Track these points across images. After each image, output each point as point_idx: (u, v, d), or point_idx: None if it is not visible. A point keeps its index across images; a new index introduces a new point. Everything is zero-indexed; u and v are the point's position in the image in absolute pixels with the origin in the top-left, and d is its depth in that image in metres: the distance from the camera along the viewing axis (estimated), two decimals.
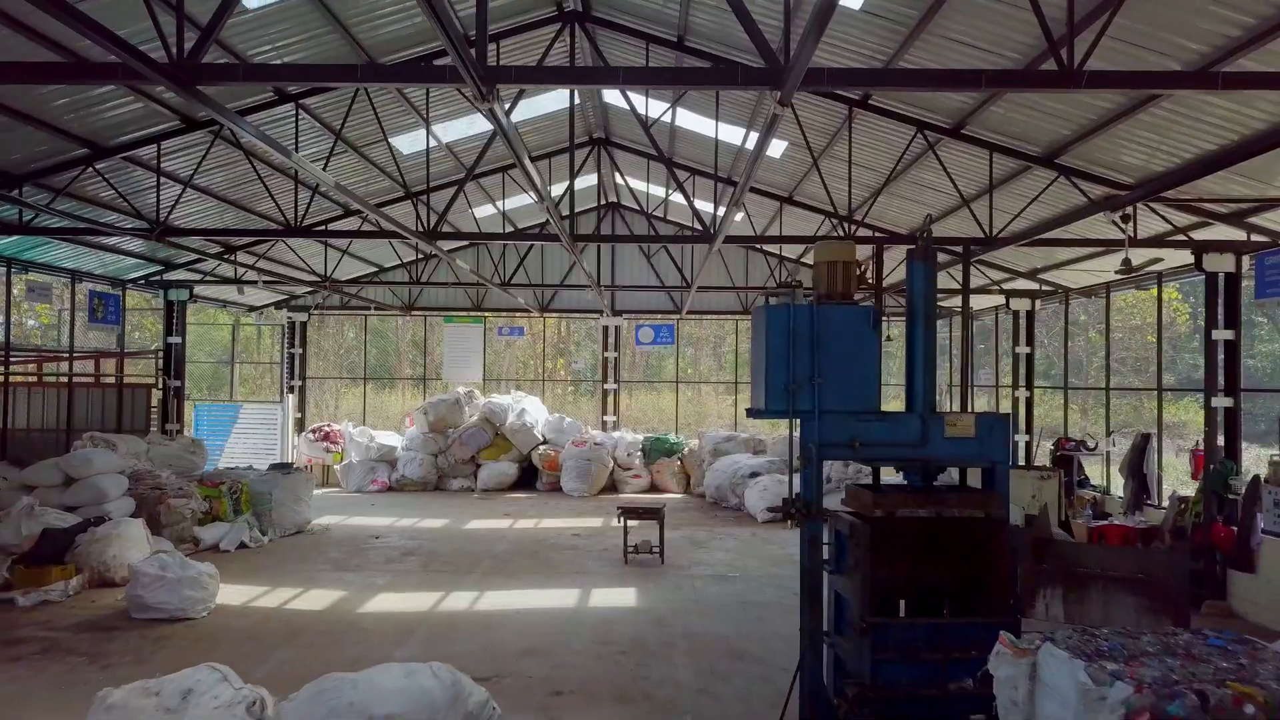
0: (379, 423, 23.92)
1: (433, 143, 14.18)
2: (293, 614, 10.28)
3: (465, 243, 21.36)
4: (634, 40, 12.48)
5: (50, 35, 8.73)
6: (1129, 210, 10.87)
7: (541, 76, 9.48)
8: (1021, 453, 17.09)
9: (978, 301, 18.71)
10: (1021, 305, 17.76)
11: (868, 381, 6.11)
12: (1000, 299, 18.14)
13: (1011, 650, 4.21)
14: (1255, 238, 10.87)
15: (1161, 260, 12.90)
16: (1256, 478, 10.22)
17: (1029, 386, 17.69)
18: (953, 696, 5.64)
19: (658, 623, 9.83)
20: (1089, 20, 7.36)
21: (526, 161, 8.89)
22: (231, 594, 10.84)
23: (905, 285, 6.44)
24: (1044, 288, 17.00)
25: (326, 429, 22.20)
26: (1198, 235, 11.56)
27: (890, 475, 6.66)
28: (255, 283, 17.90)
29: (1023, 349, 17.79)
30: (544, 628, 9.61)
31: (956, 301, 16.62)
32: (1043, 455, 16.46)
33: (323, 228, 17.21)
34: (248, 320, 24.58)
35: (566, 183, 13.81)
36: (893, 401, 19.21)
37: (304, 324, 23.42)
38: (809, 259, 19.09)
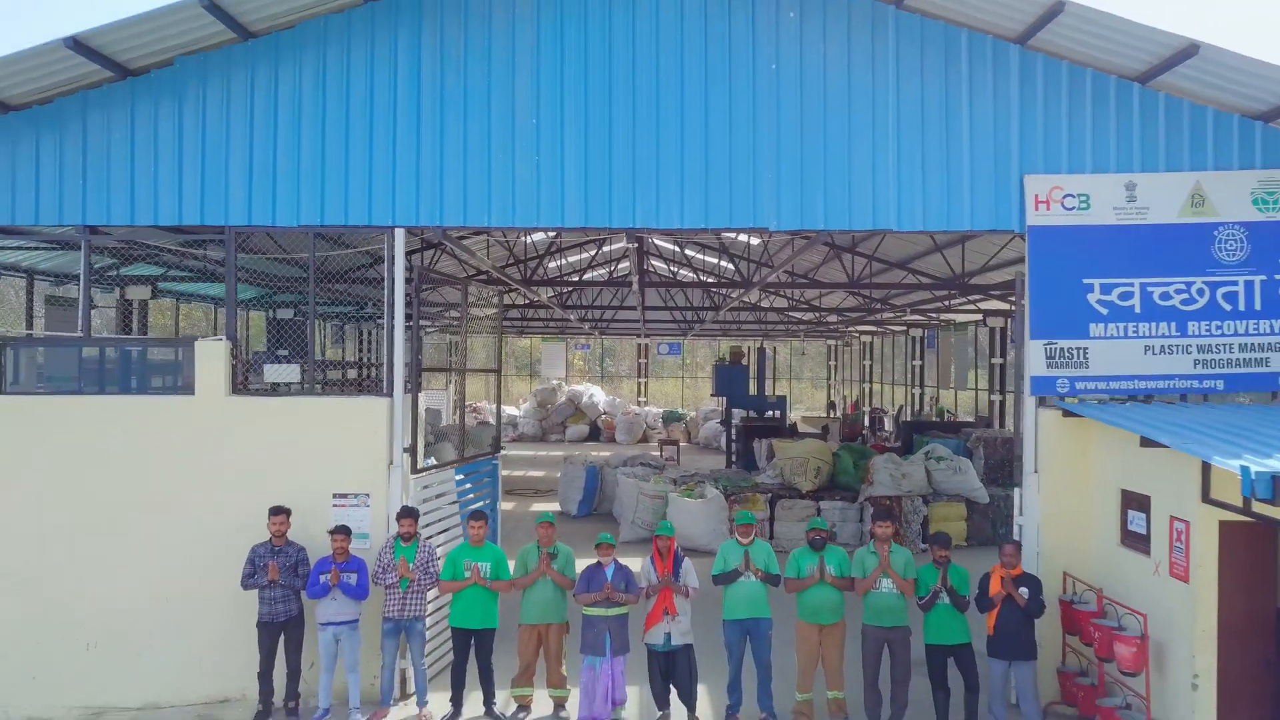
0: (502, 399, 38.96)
1: None
2: (534, 475, 25.33)
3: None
4: None
5: None
6: None
7: None
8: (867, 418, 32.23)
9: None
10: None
11: (744, 386, 21.24)
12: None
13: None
14: None
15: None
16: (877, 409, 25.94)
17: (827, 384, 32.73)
18: None
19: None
20: None
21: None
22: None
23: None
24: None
25: (473, 405, 37.23)
26: None
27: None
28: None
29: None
30: None
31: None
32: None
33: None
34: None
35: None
36: (806, 384, 34.71)
37: (455, 341, 38.48)
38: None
